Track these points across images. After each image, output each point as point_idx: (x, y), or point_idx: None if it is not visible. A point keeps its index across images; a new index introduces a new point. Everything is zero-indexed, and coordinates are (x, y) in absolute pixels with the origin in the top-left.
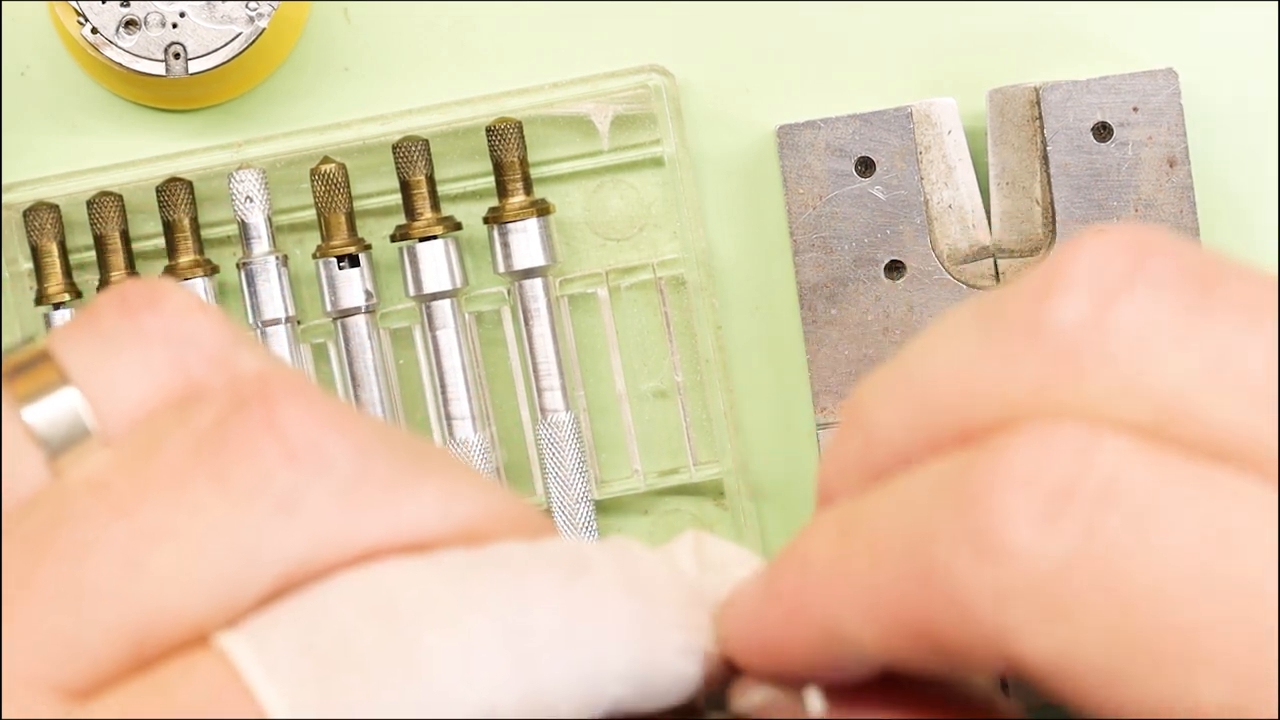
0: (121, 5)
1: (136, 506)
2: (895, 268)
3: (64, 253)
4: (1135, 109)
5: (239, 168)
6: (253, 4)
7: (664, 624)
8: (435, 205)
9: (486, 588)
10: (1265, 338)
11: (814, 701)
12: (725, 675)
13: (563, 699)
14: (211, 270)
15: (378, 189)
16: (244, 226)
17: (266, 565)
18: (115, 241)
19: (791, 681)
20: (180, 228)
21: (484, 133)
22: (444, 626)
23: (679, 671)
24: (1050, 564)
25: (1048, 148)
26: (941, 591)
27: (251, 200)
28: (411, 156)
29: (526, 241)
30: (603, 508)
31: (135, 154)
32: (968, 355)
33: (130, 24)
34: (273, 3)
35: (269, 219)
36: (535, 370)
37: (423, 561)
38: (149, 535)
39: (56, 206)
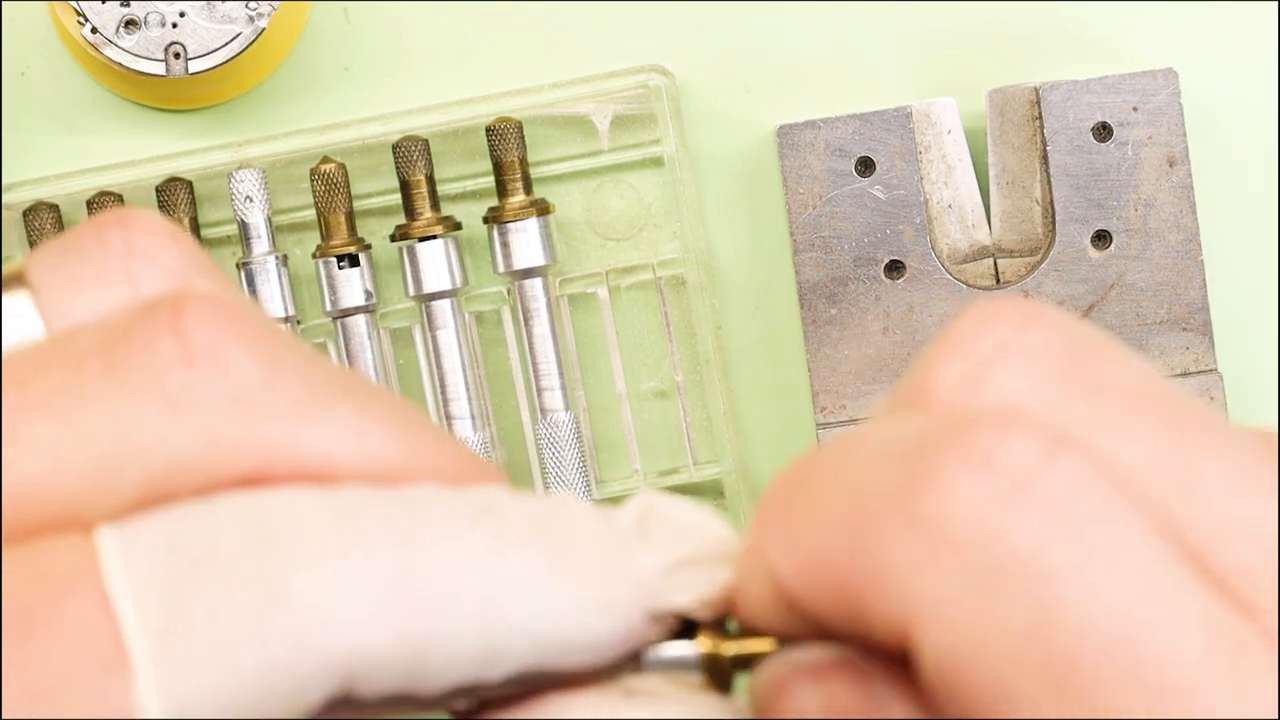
0: (121, 5)
1: (29, 382)
2: (895, 268)
3: None
4: (1135, 109)
5: (239, 168)
6: (253, 4)
7: (574, 578)
8: (435, 205)
9: (375, 523)
10: (1128, 427)
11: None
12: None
13: (453, 647)
14: None
15: (378, 189)
16: (244, 226)
17: (146, 456)
18: None
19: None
20: (180, 227)
21: (484, 133)
22: (317, 554)
23: (588, 628)
24: (988, 556)
25: (1048, 148)
26: (867, 552)
27: (251, 200)
28: (411, 156)
29: (526, 241)
30: None
31: (135, 154)
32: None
33: (130, 24)
34: (273, 3)
35: (269, 219)
36: (535, 370)
37: (317, 491)
38: (32, 406)
39: (56, 206)
